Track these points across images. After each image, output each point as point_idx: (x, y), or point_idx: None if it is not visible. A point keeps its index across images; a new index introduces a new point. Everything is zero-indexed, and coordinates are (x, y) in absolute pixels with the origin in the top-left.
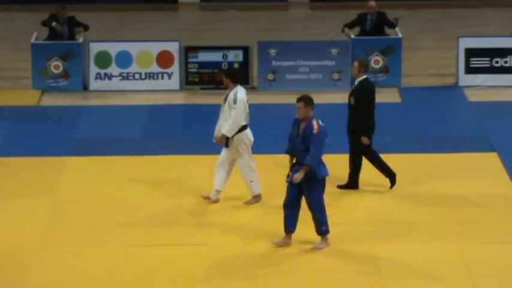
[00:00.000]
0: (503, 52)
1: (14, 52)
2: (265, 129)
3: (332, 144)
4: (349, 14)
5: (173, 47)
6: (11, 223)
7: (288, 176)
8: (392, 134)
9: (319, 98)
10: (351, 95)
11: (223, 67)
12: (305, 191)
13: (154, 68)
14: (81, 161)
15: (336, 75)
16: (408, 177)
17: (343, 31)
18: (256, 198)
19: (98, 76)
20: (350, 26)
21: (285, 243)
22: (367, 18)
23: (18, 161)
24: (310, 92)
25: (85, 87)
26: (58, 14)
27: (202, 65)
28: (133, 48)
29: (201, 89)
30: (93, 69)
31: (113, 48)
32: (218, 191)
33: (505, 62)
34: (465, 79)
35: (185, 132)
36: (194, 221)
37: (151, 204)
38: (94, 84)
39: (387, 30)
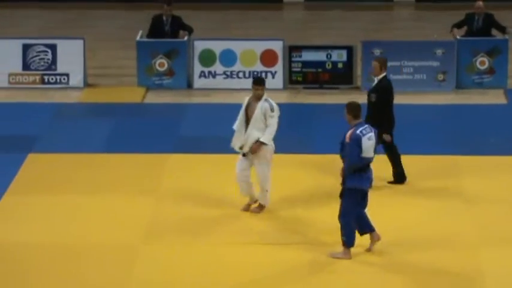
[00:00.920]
0: None
1: (118, 50)
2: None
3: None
4: (453, 16)
5: (277, 46)
6: (115, 219)
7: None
8: (497, 136)
9: (423, 99)
10: (371, 92)
11: (327, 67)
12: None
13: (258, 66)
14: (184, 158)
15: (440, 76)
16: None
17: (451, 32)
18: (262, 208)
19: (202, 74)
20: (458, 26)
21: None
22: (474, 18)
23: (122, 157)
24: (415, 93)
25: (189, 85)
26: (162, 10)
27: (306, 64)
28: (237, 46)
29: (304, 88)
30: (197, 67)
31: (217, 47)
32: (266, 191)
33: None
34: None
35: (287, 131)
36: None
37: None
38: (198, 82)
39: (494, 31)
